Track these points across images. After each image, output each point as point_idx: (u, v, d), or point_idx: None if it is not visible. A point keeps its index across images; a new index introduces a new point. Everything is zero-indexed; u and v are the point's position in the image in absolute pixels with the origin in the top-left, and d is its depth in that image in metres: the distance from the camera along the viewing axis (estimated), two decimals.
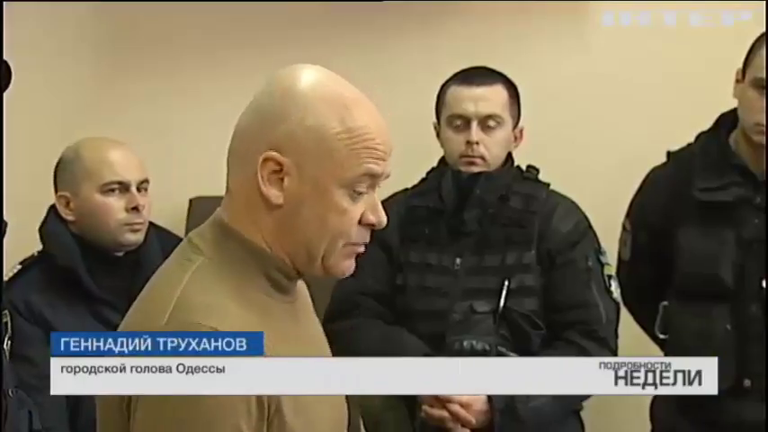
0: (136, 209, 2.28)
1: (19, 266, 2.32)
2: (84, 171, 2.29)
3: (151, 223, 2.39)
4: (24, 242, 2.47)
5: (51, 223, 2.33)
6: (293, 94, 1.35)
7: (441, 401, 2.26)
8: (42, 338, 2.13)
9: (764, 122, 2.30)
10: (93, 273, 2.25)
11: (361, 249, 1.41)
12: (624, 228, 2.57)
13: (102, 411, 1.38)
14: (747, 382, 2.31)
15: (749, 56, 2.36)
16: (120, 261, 2.29)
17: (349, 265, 1.41)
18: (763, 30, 2.35)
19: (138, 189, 2.31)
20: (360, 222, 1.38)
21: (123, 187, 2.29)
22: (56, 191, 2.34)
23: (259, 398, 1.31)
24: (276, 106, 1.35)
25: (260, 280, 1.38)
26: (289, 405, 1.34)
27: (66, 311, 2.23)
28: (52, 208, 2.34)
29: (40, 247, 2.37)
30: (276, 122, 1.34)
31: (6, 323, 2.19)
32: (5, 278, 2.28)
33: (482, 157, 2.42)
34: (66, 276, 2.26)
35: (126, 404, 1.33)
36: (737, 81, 2.38)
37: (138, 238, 2.30)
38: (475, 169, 2.42)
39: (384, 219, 1.39)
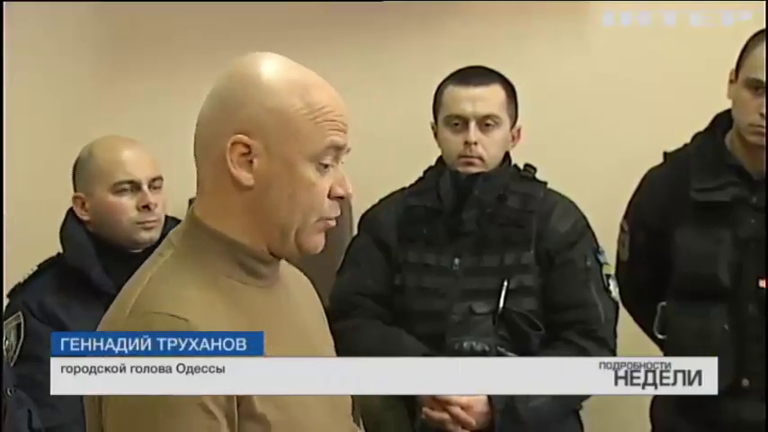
0: (147, 207, 2.30)
1: (35, 268, 2.34)
2: (97, 171, 2.31)
3: (172, 218, 2.40)
4: (24, 242, 2.48)
5: (69, 224, 2.35)
6: (252, 79, 1.38)
7: (440, 403, 2.26)
8: None
9: (758, 123, 2.31)
10: (110, 271, 2.26)
11: (333, 224, 1.43)
12: (622, 228, 2.58)
13: (88, 410, 1.39)
14: (746, 382, 2.31)
15: (742, 56, 2.36)
16: (137, 258, 2.29)
17: (320, 240, 1.43)
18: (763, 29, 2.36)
19: (151, 187, 2.33)
20: (329, 196, 1.41)
21: (134, 186, 2.31)
22: (74, 191, 2.36)
23: None
24: (237, 91, 1.38)
25: (231, 267, 1.40)
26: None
27: (80, 312, 2.23)
28: (71, 209, 2.36)
29: (40, 246, 2.38)
30: (238, 107, 1.37)
31: (19, 324, 2.21)
32: (22, 280, 2.31)
33: (480, 158, 2.41)
34: (80, 277, 2.27)
35: (98, 400, 1.35)
36: (731, 81, 2.39)
37: (152, 235, 2.32)
38: (473, 170, 2.41)
39: (351, 190, 1.43)
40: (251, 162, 1.37)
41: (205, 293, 1.36)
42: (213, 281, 1.38)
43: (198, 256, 1.39)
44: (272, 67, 1.40)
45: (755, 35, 2.36)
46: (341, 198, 1.42)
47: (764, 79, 2.29)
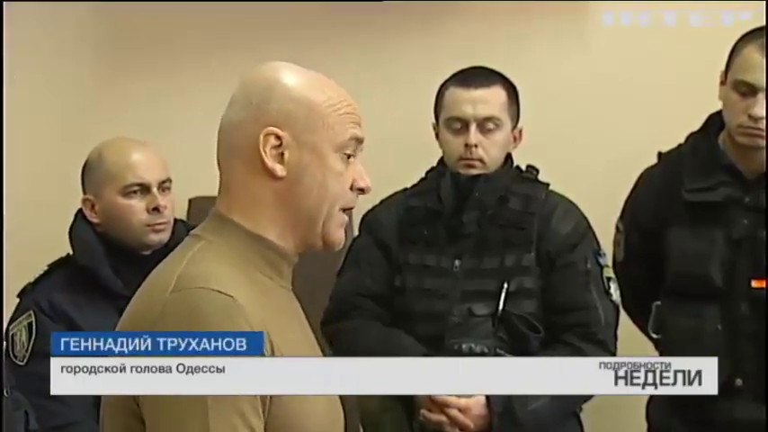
0: (157, 209, 2.30)
1: (46, 268, 2.34)
2: (106, 174, 2.31)
3: (180, 220, 2.41)
4: (24, 242, 2.48)
5: (78, 225, 2.35)
6: (274, 79, 1.46)
7: (438, 405, 2.26)
8: None
9: (747, 124, 2.32)
10: (120, 272, 2.27)
11: (346, 218, 1.50)
12: (617, 229, 2.58)
13: (109, 409, 1.40)
14: (739, 382, 2.32)
15: (730, 58, 2.37)
16: (147, 259, 2.30)
17: (342, 235, 1.50)
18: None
19: (161, 189, 2.33)
20: (351, 188, 1.48)
21: (144, 189, 2.31)
22: (83, 193, 2.36)
23: None
24: (262, 90, 1.45)
25: (259, 262, 1.45)
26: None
27: (90, 310, 2.24)
28: (80, 210, 2.36)
29: (40, 246, 2.38)
30: (266, 103, 1.44)
31: (30, 323, 2.23)
32: (32, 279, 2.32)
33: (480, 160, 2.40)
34: (90, 276, 2.28)
35: (132, 399, 1.35)
36: (721, 83, 2.39)
37: (161, 237, 2.32)
38: (473, 172, 2.40)
39: (370, 183, 1.49)
40: (282, 155, 1.43)
41: (243, 279, 1.40)
42: (246, 271, 1.42)
43: (229, 247, 1.43)
44: (289, 70, 1.48)
45: (743, 37, 2.37)
46: (361, 190, 1.49)
47: (751, 81, 2.30)
